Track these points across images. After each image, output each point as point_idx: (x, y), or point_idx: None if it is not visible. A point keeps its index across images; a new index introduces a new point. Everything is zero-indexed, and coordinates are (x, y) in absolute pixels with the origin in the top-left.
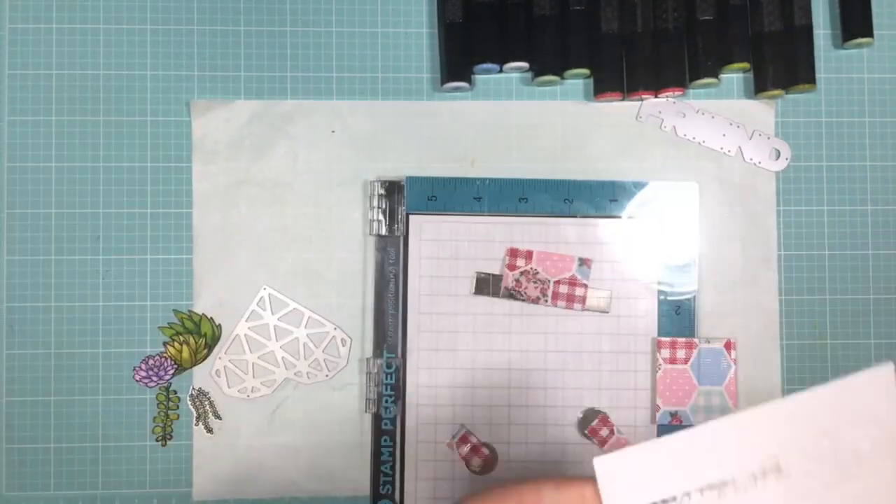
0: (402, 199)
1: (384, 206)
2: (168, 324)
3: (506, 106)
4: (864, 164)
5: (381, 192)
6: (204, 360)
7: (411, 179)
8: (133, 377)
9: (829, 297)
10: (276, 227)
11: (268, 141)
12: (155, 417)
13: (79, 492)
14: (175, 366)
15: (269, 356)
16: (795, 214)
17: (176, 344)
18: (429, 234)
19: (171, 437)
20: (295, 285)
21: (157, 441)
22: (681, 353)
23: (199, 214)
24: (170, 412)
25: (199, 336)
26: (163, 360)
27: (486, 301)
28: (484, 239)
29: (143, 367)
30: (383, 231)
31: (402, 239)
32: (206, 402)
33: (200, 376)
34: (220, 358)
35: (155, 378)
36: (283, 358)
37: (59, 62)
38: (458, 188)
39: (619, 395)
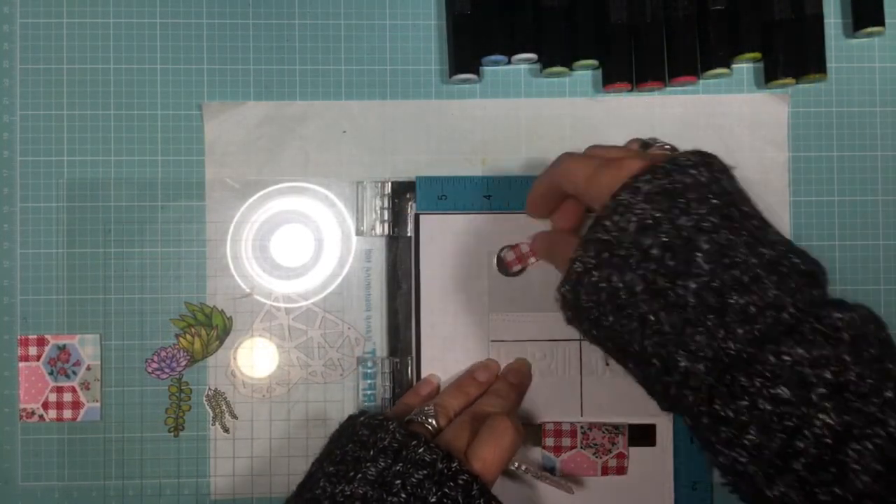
0: (412, 198)
1: (395, 207)
2: (179, 316)
3: (516, 104)
4: (875, 154)
5: (392, 192)
6: (215, 352)
7: (421, 179)
8: (145, 369)
9: (839, 287)
10: (289, 228)
11: (279, 142)
12: (167, 409)
13: (92, 482)
14: (188, 357)
15: (283, 356)
16: (806, 205)
17: (188, 336)
18: (439, 233)
19: (183, 428)
20: (308, 286)
21: (169, 432)
22: None
23: (212, 217)
24: (182, 403)
25: (211, 328)
26: (175, 351)
27: (498, 297)
28: (495, 236)
29: (156, 358)
30: (394, 231)
31: (413, 239)
32: (223, 402)
33: (216, 376)
34: (234, 358)
35: (167, 370)
36: (297, 358)
37: (70, 56)
38: (467, 187)
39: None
